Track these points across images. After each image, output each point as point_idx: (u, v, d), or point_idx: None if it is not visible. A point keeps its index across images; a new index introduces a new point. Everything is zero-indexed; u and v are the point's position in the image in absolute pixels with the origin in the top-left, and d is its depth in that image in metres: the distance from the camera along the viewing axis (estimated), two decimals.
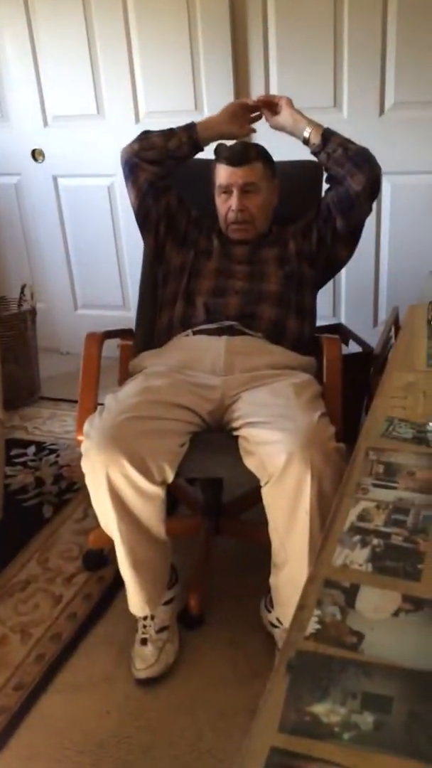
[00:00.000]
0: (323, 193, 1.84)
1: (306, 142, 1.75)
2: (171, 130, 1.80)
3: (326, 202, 1.79)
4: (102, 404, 1.54)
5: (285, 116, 1.77)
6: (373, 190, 1.72)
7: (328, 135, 1.73)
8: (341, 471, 1.32)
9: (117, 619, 1.70)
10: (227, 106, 1.83)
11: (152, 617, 1.56)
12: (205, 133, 1.80)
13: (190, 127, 1.79)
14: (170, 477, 1.40)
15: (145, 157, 1.79)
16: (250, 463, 1.42)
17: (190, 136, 1.79)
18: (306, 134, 1.74)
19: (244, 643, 1.62)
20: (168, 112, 2.70)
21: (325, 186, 1.83)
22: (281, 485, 1.34)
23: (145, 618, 1.56)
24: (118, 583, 1.77)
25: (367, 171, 1.69)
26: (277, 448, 1.34)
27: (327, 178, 1.80)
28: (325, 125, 1.75)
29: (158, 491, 1.40)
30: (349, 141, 1.74)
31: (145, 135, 1.81)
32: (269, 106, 1.80)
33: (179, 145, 1.78)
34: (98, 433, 1.39)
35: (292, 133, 1.78)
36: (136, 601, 1.52)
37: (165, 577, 1.57)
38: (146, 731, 1.41)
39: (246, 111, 1.82)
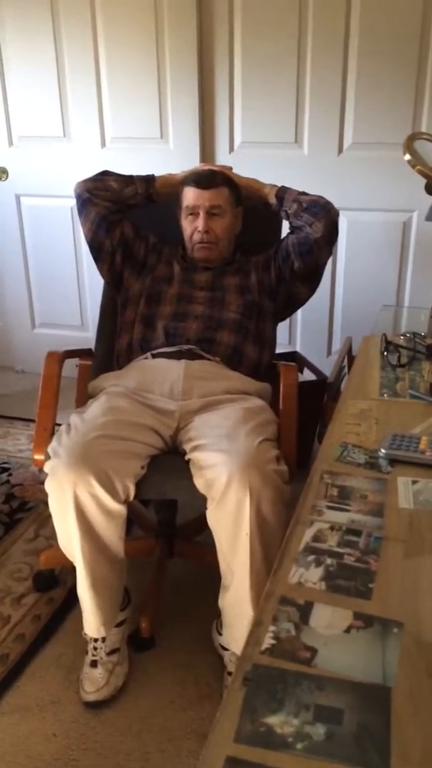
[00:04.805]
0: (285, 232, 1.91)
1: (267, 203, 1.88)
2: (130, 177, 1.87)
3: (286, 242, 1.87)
4: (59, 424, 1.54)
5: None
6: (331, 235, 1.81)
7: (281, 194, 1.84)
8: (282, 494, 1.36)
9: (66, 640, 1.68)
10: (194, 168, 1.90)
11: (104, 639, 1.55)
12: (164, 188, 1.88)
13: (149, 180, 1.87)
14: (132, 494, 1.41)
15: (98, 194, 1.84)
16: (199, 485, 1.44)
17: (147, 188, 1.87)
18: (265, 196, 1.86)
19: (194, 666, 1.62)
20: (134, 138, 2.76)
21: (287, 228, 1.90)
22: (223, 507, 1.36)
23: (96, 640, 1.55)
24: (68, 605, 1.76)
25: (324, 218, 1.78)
26: (218, 470, 1.37)
27: (290, 227, 1.88)
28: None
29: (122, 510, 1.41)
30: (302, 194, 1.83)
31: (102, 176, 1.87)
32: None
33: (134, 194, 1.86)
34: (67, 451, 1.40)
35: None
36: (92, 622, 1.51)
37: (120, 598, 1.56)
38: (93, 754, 1.40)
39: None
